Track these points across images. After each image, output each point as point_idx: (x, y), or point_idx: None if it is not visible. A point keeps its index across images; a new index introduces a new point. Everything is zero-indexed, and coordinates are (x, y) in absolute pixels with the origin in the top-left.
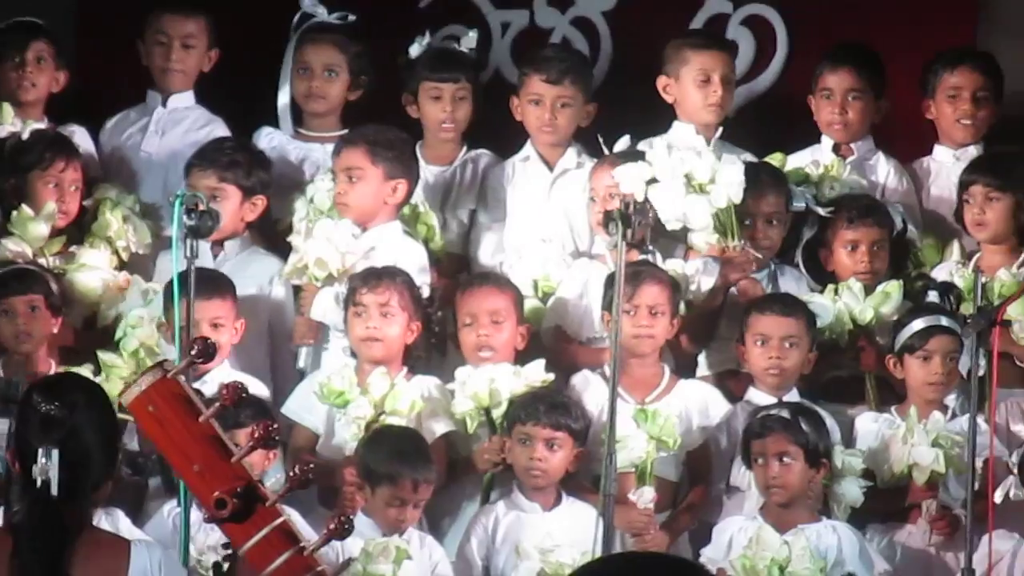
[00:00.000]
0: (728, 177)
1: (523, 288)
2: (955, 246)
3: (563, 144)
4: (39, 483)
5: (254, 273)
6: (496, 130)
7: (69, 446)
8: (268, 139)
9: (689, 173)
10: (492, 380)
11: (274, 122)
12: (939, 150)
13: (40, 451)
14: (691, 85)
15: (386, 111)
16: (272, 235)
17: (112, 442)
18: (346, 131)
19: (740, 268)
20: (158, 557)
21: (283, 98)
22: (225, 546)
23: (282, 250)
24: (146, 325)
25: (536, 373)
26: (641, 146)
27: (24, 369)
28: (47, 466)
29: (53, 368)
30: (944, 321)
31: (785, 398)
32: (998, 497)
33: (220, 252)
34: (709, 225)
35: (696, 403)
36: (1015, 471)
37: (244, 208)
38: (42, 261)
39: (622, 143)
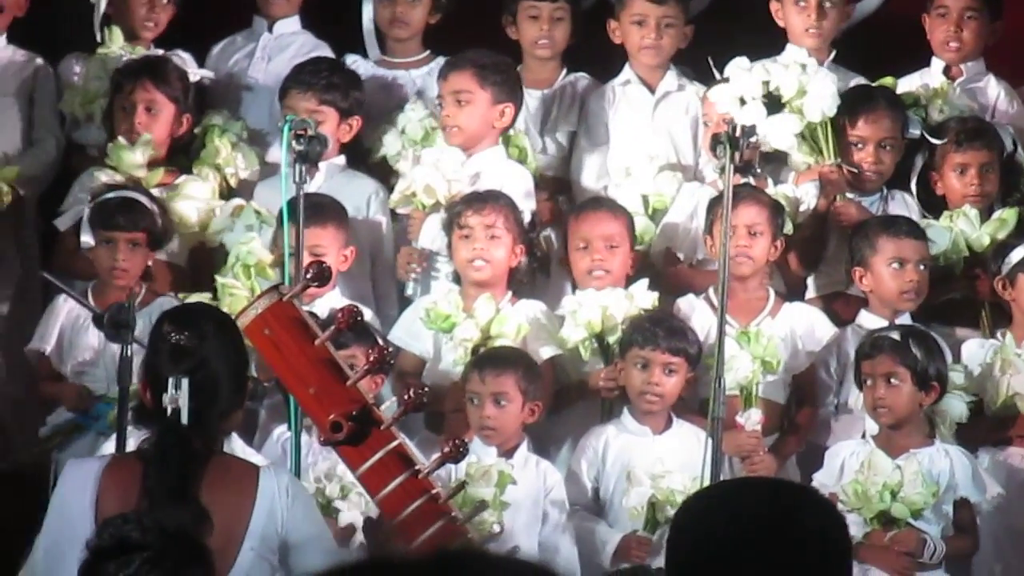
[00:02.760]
0: (819, 90)
1: (633, 206)
2: None
3: (664, 66)
4: (169, 411)
5: (350, 195)
6: (597, 54)
7: (199, 376)
8: (353, 66)
9: (775, 89)
10: (605, 307)
11: (364, 49)
12: None
13: (171, 380)
14: (792, 9)
15: (469, 35)
16: (361, 162)
17: (241, 372)
18: (427, 54)
19: (837, 187)
20: (286, 482)
21: (367, 23)
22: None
23: (377, 175)
24: (257, 246)
25: (646, 296)
26: (760, 67)
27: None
28: (177, 395)
29: (142, 295)
30: None
31: (898, 321)
32: None
33: (316, 173)
34: (793, 144)
35: (802, 326)
36: None
37: (341, 129)
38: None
39: (733, 65)
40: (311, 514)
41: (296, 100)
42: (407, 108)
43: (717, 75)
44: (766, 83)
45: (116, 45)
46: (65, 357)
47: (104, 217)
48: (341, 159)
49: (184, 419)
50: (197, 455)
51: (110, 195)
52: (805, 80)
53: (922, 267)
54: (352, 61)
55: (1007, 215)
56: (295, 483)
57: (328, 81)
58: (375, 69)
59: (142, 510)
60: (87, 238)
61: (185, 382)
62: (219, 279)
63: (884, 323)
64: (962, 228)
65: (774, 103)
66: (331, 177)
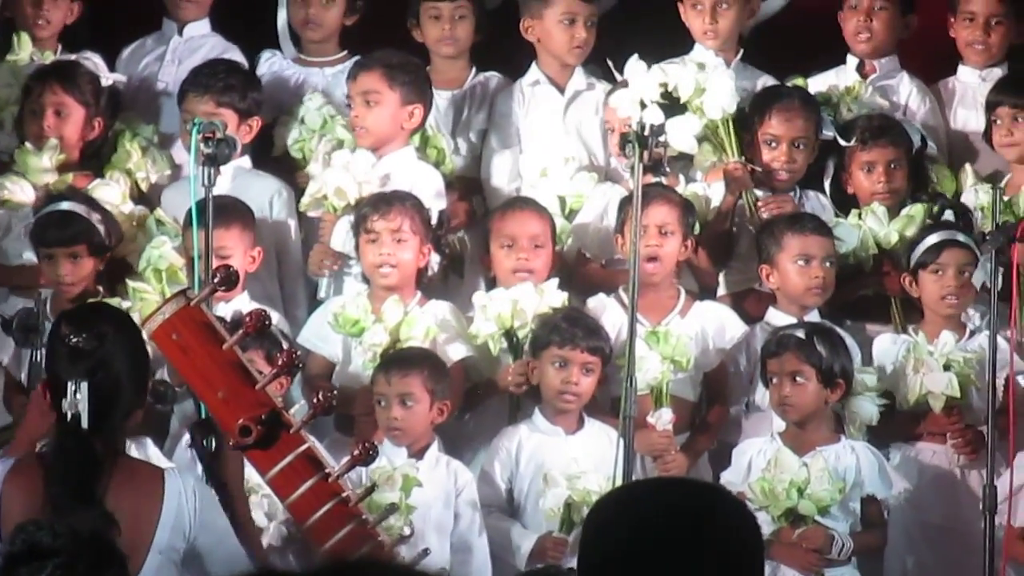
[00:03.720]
0: (718, 87)
1: (550, 207)
2: (968, 171)
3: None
4: (69, 416)
5: (254, 196)
6: (507, 53)
7: (98, 377)
8: (268, 63)
9: (674, 88)
10: (515, 301)
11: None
12: (963, 70)
13: (69, 384)
14: (690, 12)
15: (385, 35)
16: (268, 160)
17: (141, 371)
18: (343, 54)
19: (742, 184)
20: (191, 484)
21: (281, 24)
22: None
23: (282, 173)
24: (168, 250)
25: (556, 294)
26: (658, 68)
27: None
28: (77, 400)
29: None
30: (957, 235)
31: (806, 318)
32: None
33: (217, 176)
34: (693, 146)
35: (712, 324)
36: None
37: (241, 131)
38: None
39: (631, 65)
40: (217, 516)
41: (194, 103)
42: (305, 99)
43: (617, 76)
44: (664, 84)
45: (25, 52)
46: (23, 364)
47: (40, 233)
48: (246, 160)
49: (84, 423)
50: (99, 458)
51: (45, 210)
52: (703, 78)
53: (828, 264)
54: (268, 58)
55: (915, 211)
56: (201, 485)
57: (225, 83)
58: (290, 67)
59: (46, 515)
60: (29, 255)
61: (84, 385)
62: (130, 283)
63: (792, 320)
64: (870, 225)
65: (676, 103)
66: (235, 178)
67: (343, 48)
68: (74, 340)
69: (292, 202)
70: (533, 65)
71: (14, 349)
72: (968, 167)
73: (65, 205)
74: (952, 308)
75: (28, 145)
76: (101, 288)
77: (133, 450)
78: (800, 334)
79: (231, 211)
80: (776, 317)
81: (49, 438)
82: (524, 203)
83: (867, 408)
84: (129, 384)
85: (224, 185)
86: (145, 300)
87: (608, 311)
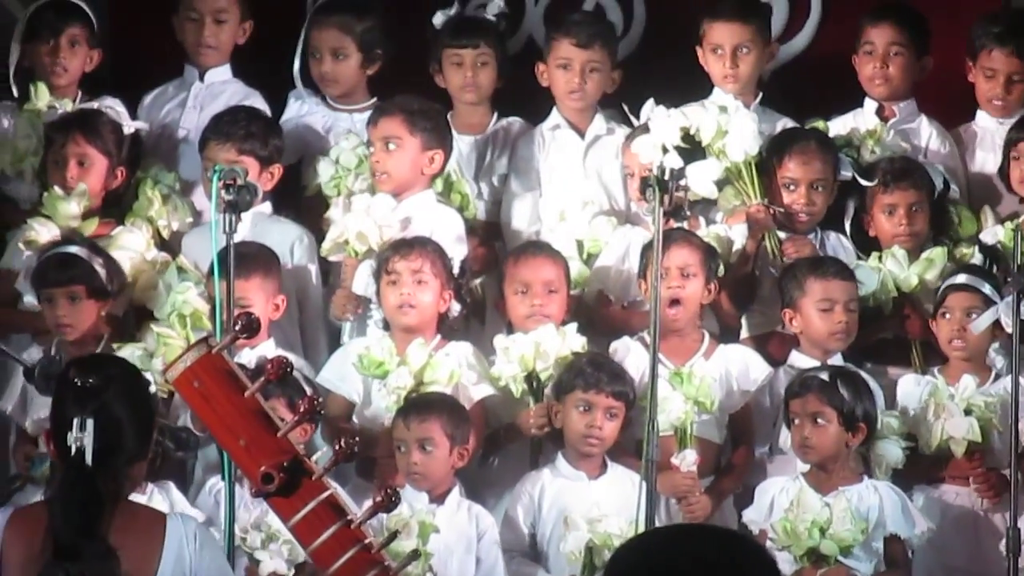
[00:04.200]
0: (740, 129)
1: (567, 250)
2: (988, 212)
3: (591, 109)
4: (73, 451)
5: (274, 242)
6: (529, 98)
7: (103, 417)
8: (298, 105)
9: (696, 132)
10: (538, 343)
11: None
12: (981, 115)
13: (75, 421)
14: (710, 56)
15: (417, 81)
16: (296, 203)
17: (146, 419)
18: (372, 101)
19: (764, 226)
20: (193, 529)
21: (295, 72)
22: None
23: (307, 218)
24: (193, 296)
25: (576, 338)
26: (678, 112)
27: (72, 349)
28: (81, 435)
29: (103, 346)
30: (960, 278)
31: (830, 361)
32: None
33: (238, 223)
34: (713, 191)
35: (736, 366)
36: None
37: (262, 178)
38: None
39: (647, 109)
40: (219, 562)
41: (215, 151)
42: (340, 140)
43: (634, 121)
44: (685, 128)
45: (42, 101)
46: (28, 412)
47: (39, 275)
48: (266, 206)
49: (88, 459)
50: (102, 496)
51: (47, 254)
52: (724, 120)
53: (851, 308)
54: (298, 98)
55: (935, 255)
56: (203, 530)
57: (246, 131)
58: (319, 109)
59: (47, 561)
60: (30, 299)
61: (90, 422)
62: (155, 328)
63: (815, 363)
64: (890, 268)
65: (697, 147)
66: (256, 225)
67: (372, 95)
68: (80, 381)
69: (313, 248)
70: (554, 110)
71: (18, 398)
72: (988, 209)
73: (66, 248)
74: (959, 352)
75: (57, 190)
76: (106, 334)
77: (156, 494)
78: (824, 376)
79: (250, 260)
80: (799, 360)
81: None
82: (537, 248)
83: (892, 451)
84: (132, 428)
85: (244, 231)
86: (169, 345)
87: (632, 354)
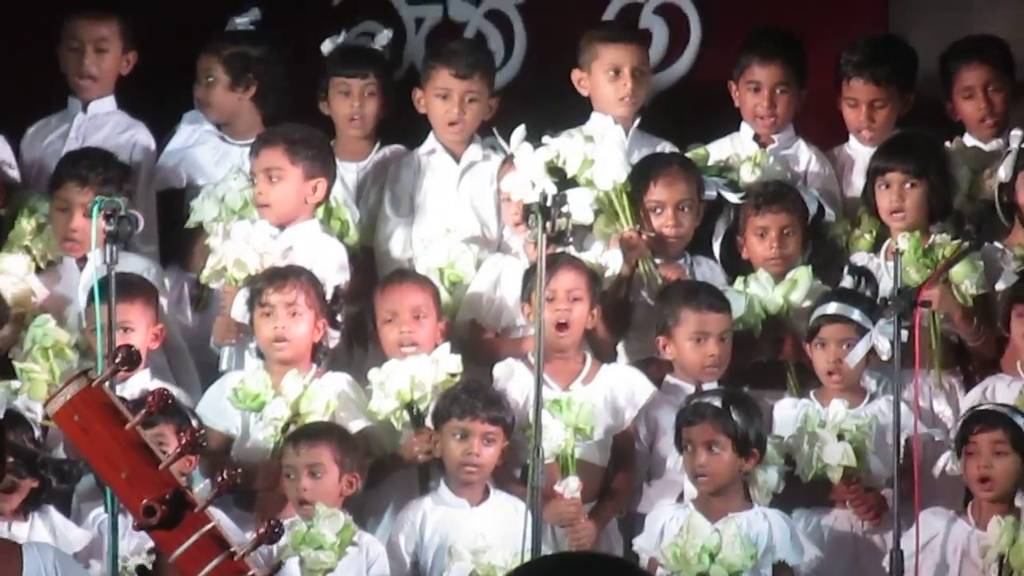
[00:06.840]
0: (606, 157)
1: (431, 278)
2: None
3: (468, 137)
4: None
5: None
6: (412, 125)
7: None
8: (191, 129)
9: (563, 163)
10: (413, 375)
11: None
12: (853, 140)
13: None
14: (602, 79)
15: (306, 110)
16: (179, 235)
17: None
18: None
19: (638, 251)
20: (51, 558)
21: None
22: (151, 551)
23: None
24: (52, 327)
25: (450, 359)
26: (557, 138)
27: None
28: None
29: None
30: (831, 308)
31: (705, 386)
32: (936, 471)
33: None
34: (590, 216)
35: (622, 387)
36: (951, 445)
37: None
38: None
39: (517, 136)
40: None
41: (73, 194)
42: (228, 178)
43: (505, 147)
44: (551, 161)
45: None
46: None
47: None
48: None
49: None
50: None
51: None
52: (591, 150)
53: (724, 339)
54: (191, 122)
55: (799, 275)
56: (62, 557)
57: (104, 176)
58: (212, 138)
59: None
60: None
61: None
62: (17, 364)
63: (691, 387)
64: (755, 292)
65: (565, 177)
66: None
67: (265, 125)
68: None
69: (161, 278)
70: (430, 134)
71: None
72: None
73: None
74: (836, 384)
75: None
76: None
77: (38, 520)
78: (716, 403)
79: (135, 287)
80: (675, 384)
81: None
82: (403, 276)
83: (771, 476)
84: None
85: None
86: (34, 380)
87: (516, 376)
